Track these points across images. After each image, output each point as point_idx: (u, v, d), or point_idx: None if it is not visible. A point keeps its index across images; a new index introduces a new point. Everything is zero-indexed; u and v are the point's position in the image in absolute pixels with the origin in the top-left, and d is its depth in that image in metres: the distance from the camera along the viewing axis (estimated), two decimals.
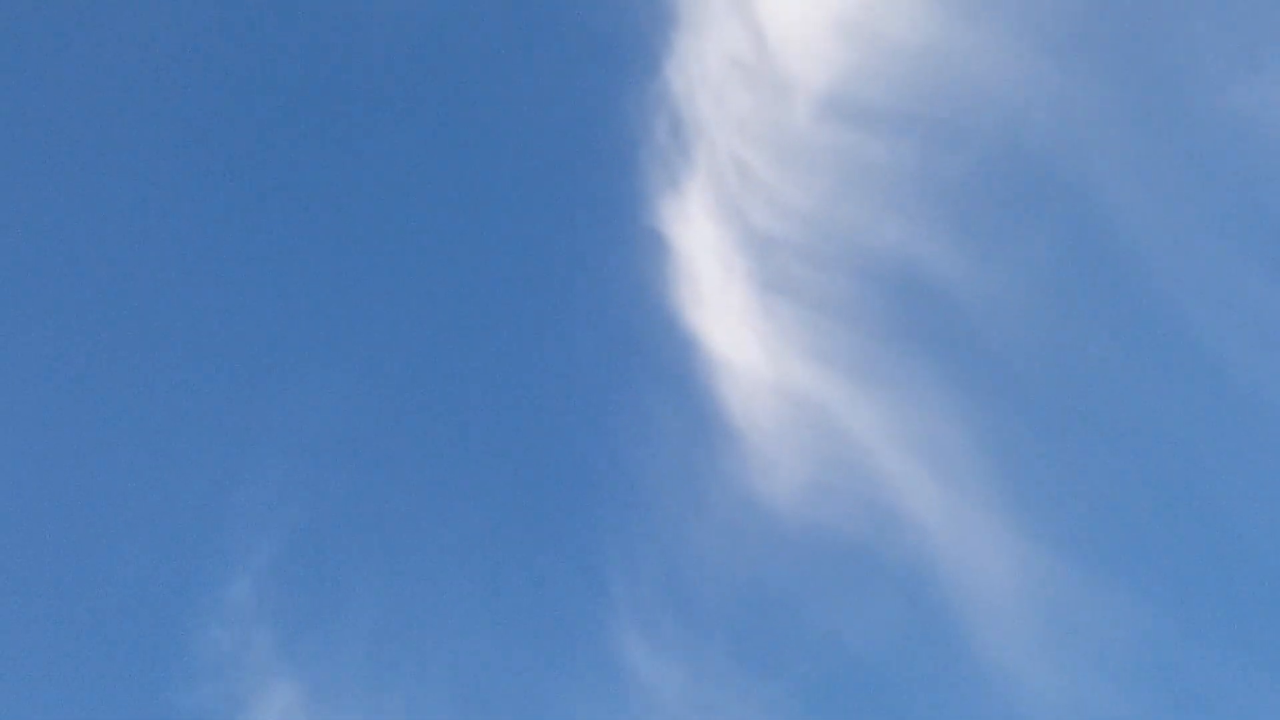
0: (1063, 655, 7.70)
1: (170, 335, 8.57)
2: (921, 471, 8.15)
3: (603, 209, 8.76)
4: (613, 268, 8.64)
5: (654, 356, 8.49)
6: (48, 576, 7.80)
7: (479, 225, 8.89)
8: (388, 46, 8.85)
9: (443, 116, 8.84)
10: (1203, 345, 8.19)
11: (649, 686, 7.75)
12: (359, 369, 8.47)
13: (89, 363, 8.41)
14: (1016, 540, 7.92)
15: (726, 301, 8.50)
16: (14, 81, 8.41)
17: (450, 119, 8.81)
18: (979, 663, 7.69)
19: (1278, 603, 7.97)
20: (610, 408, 8.44)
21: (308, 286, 8.76)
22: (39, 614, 7.72)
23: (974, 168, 8.62)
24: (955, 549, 7.94)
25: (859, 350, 8.42)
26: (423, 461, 8.38)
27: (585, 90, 8.89)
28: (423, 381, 8.55)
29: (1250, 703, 7.47)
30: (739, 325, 8.40)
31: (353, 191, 8.77)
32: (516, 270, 8.80)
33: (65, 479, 8.08)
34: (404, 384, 8.50)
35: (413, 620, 7.98)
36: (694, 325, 8.50)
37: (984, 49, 8.66)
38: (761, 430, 8.30)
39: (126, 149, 8.80)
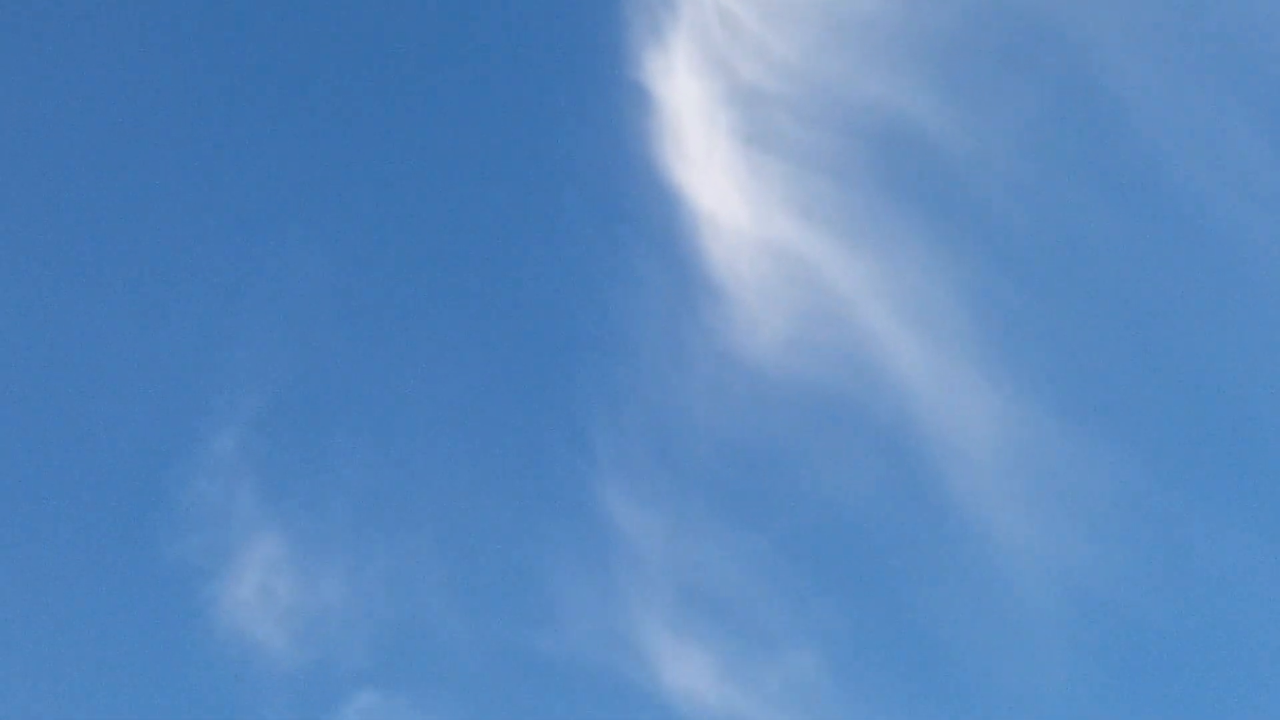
0: (1043, 508, 7.75)
1: (163, 193, 8.59)
2: (905, 326, 8.15)
3: (586, 62, 8.65)
4: (596, 122, 8.49)
5: (638, 212, 8.41)
6: (36, 431, 7.92)
7: (461, 80, 8.79)
8: None
9: None
10: (1190, 200, 8.14)
11: (632, 540, 7.80)
12: (347, 228, 8.47)
13: (82, 219, 8.40)
14: (999, 395, 7.93)
15: (711, 156, 8.36)
16: None
17: None
18: (960, 516, 7.76)
19: (1257, 456, 8.01)
20: (594, 264, 8.40)
21: (298, 145, 8.72)
22: (27, 469, 7.85)
23: (962, 20, 8.49)
24: (938, 404, 7.97)
25: (844, 205, 8.36)
26: (409, 319, 8.41)
27: None
28: (409, 240, 8.56)
29: (1227, 554, 7.50)
30: (723, 180, 8.28)
31: (339, 54, 8.66)
32: (499, 127, 8.68)
33: (56, 335, 8.16)
34: (391, 243, 8.52)
35: (398, 475, 8.02)
36: (678, 180, 8.37)
37: None
38: (745, 285, 8.24)
39: (120, 8, 8.70)
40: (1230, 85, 8.48)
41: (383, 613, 7.77)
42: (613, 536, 7.82)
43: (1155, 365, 8.02)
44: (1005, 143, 8.40)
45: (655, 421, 8.10)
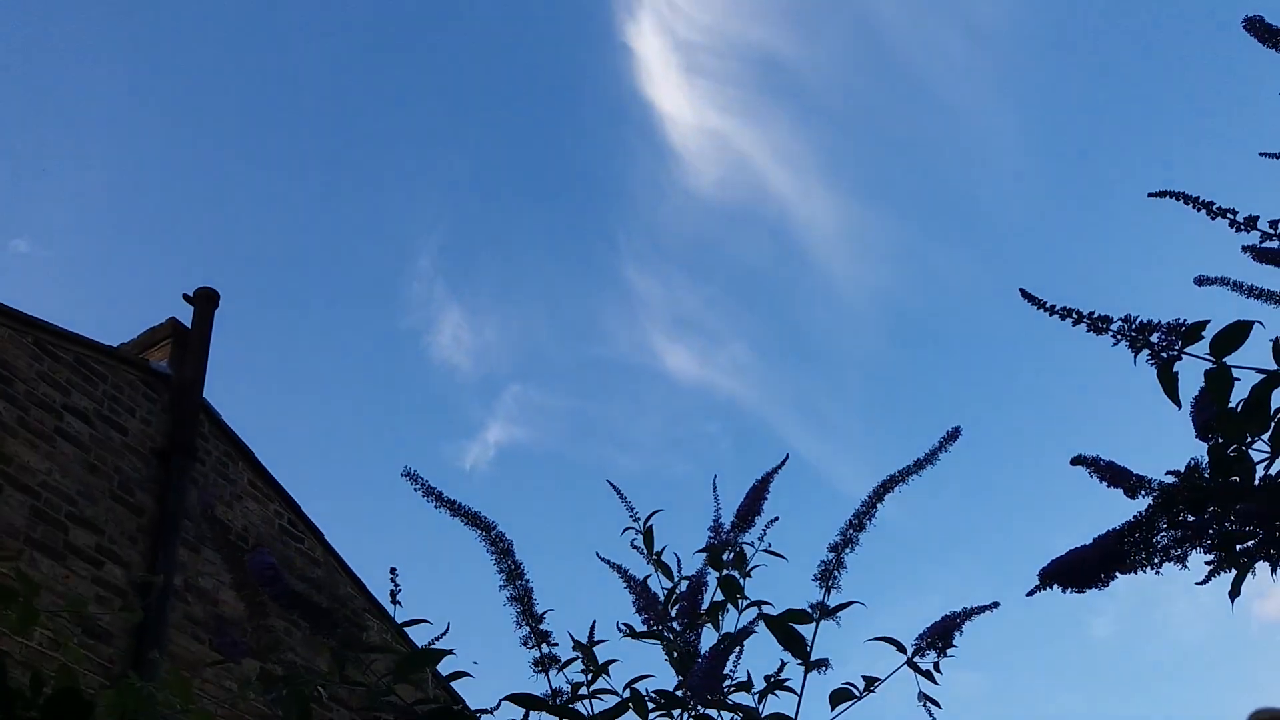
0: (854, 251, 14.40)
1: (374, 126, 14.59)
2: (780, 166, 14.41)
3: (598, 31, 14.17)
4: (604, 66, 14.43)
5: (632, 115, 14.36)
6: (320, 261, 14.26)
7: (530, 44, 13.92)
8: None
9: None
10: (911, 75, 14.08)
11: (642, 291, 14.27)
12: (478, 139, 14.51)
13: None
14: (830, 194, 14.35)
15: (668, 81, 14.24)
16: None
17: None
18: (811, 259, 14.69)
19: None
20: (613, 144, 14.58)
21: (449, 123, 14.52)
22: (329, 279, 14.09)
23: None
24: (797, 202, 14.30)
25: (744, 102, 14.18)
26: (513, 186, 14.59)
27: None
28: (510, 146, 14.76)
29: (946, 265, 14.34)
30: (677, 94, 13.90)
31: (455, 50, 14.24)
32: (558, 73, 14.67)
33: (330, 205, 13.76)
34: (499, 150, 14.62)
35: (516, 270, 14.55)
36: (651, 96, 14.47)
37: None
38: (691, 151, 14.62)
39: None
40: None
41: (516, 342, 14.57)
42: (632, 290, 14.13)
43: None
44: (830, 61, 14.06)
45: (648, 224, 14.14)
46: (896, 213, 14.76)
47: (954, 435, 1.43)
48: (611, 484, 1.83)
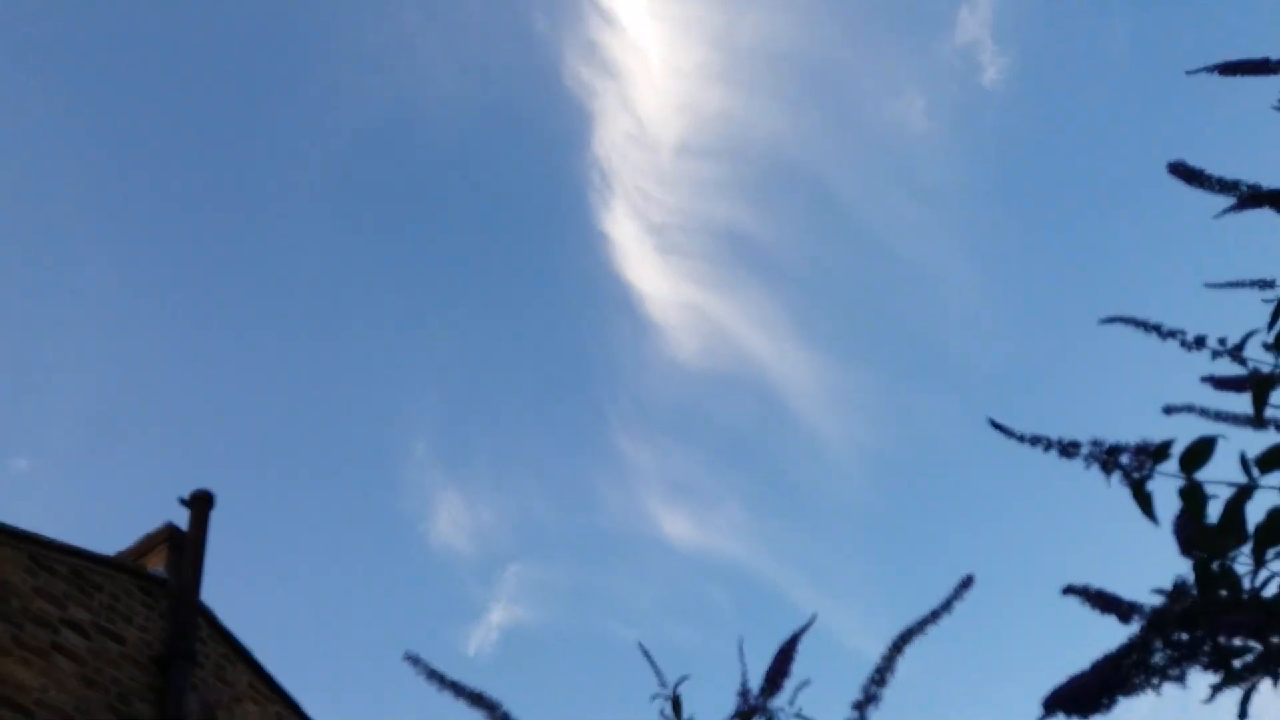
0: (838, 414, 14.70)
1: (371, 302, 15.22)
2: (757, 332, 14.67)
3: (576, 221, 15.23)
4: (583, 251, 15.26)
5: (613, 295, 15.01)
6: (321, 441, 14.78)
7: (514, 236, 15.48)
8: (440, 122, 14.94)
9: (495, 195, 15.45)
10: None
11: (633, 459, 14.48)
12: (472, 325, 15.17)
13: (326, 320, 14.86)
14: (809, 360, 14.92)
15: (644, 261, 15.13)
16: None
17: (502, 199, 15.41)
18: (795, 421, 14.71)
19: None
20: (597, 323, 15.06)
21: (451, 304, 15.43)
22: (320, 465, 14.48)
23: (757, 176, 14.88)
24: (778, 366, 14.65)
25: (715, 276, 15.03)
26: (509, 365, 15.10)
27: (561, 166, 15.54)
28: (506, 327, 15.26)
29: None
30: (652, 273, 14.46)
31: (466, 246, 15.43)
32: (541, 261, 15.46)
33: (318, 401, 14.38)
34: (495, 334, 15.23)
35: (513, 448, 14.88)
36: (629, 275, 14.86)
37: (758, 113, 14.66)
38: (670, 324, 14.50)
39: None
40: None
41: (514, 520, 14.62)
42: (624, 459, 14.51)
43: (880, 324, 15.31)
44: (793, 231, 15.08)
45: (635, 395, 14.72)
46: (871, 365, 15.33)
47: (968, 584, 1.44)
48: (641, 647, 1.82)
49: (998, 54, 14.29)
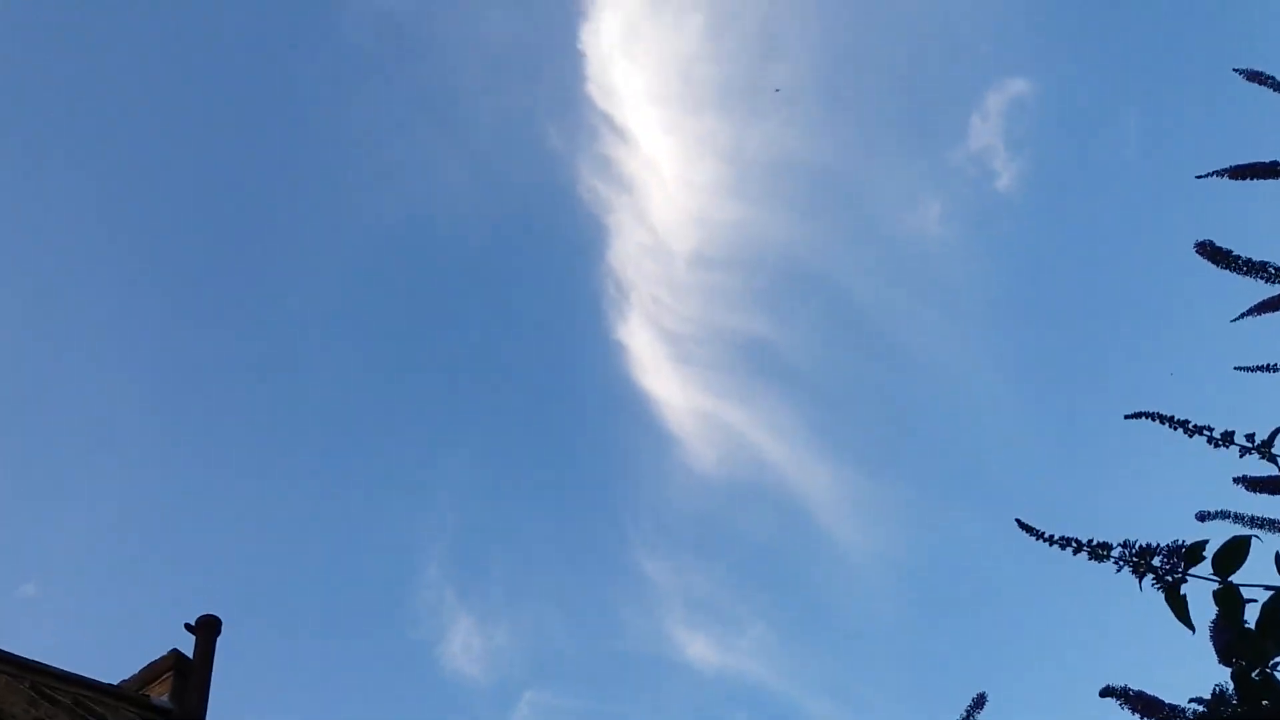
0: (858, 522, 14.40)
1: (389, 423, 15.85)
2: (775, 440, 14.60)
3: (591, 329, 15.29)
4: (600, 363, 15.24)
5: (628, 403, 15.10)
6: (335, 580, 14.58)
7: (530, 348, 15.65)
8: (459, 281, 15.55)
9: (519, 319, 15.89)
10: (903, 349, 15.45)
11: (653, 577, 13.96)
12: (485, 443, 15.34)
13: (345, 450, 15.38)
14: (826, 468, 14.87)
15: (659, 369, 14.57)
16: None
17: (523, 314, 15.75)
18: (820, 532, 14.17)
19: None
20: (615, 434, 15.01)
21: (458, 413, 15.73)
22: (337, 596, 14.34)
23: (771, 284, 15.14)
24: (798, 474, 14.39)
25: (729, 385, 14.82)
26: (524, 484, 15.14)
27: (577, 277, 15.67)
28: (519, 444, 15.38)
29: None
30: (667, 381, 14.87)
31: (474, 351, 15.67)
32: (557, 372, 15.61)
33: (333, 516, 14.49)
34: (509, 451, 15.25)
35: (529, 571, 14.42)
36: (645, 384, 15.44)
37: (771, 223, 14.80)
38: (686, 432, 15.18)
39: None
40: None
41: (530, 644, 14.20)
42: (644, 577, 14.13)
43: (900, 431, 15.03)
44: (811, 339, 14.92)
45: (654, 508, 14.54)
46: (893, 474, 15.16)
47: (980, 702, 1.40)
48: None
49: (1010, 160, 14.55)
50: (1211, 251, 0.96)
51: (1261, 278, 0.96)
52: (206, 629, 6.22)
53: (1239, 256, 0.95)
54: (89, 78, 14.28)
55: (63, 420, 13.70)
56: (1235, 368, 1.04)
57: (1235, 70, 0.98)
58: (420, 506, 14.69)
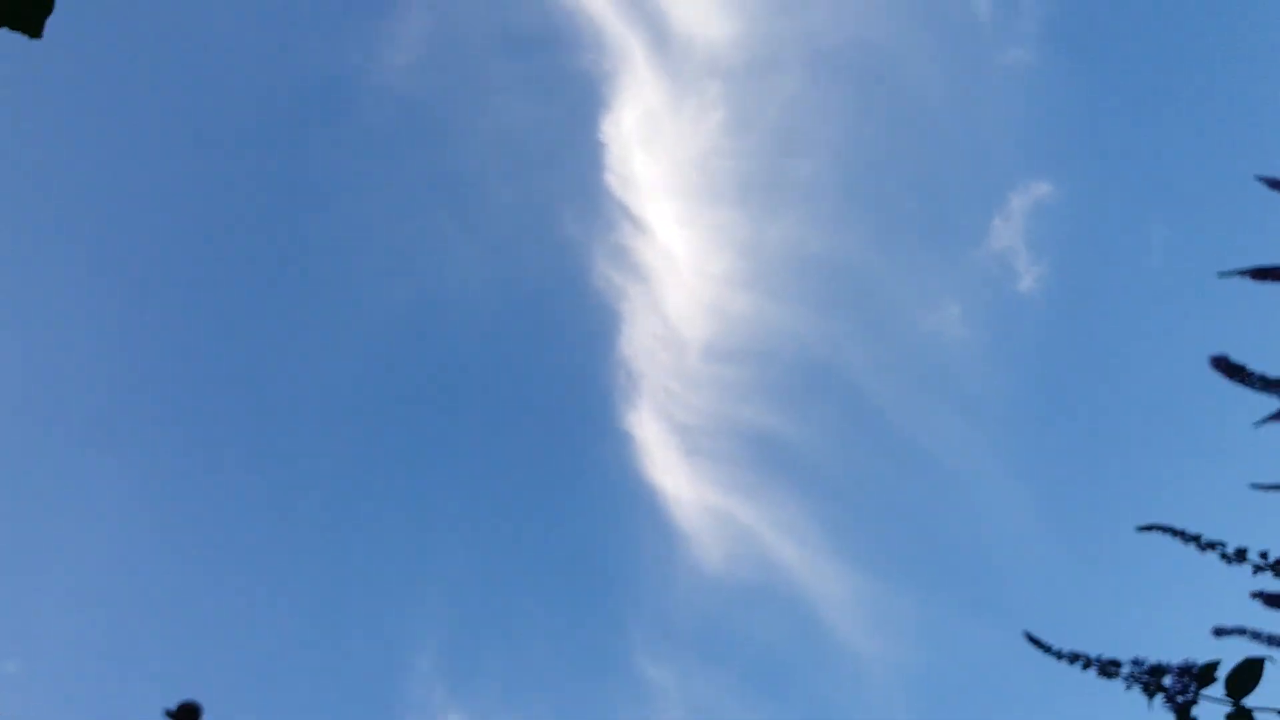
0: (870, 627, 13.69)
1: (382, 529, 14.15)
2: (787, 541, 13.92)
3: (601, 421, 14.66)
4: (609, 454, 14.64)
5: (637, 498, 14.28)
6: (324, 675, 13.15)
7: (535, 436, 14.76)
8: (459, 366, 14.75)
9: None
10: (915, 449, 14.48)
11: (655, 684, 13.10)
12: (483, 540, 14.22)
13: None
14: (838, 570, 13.82)
15: (669, 463, 14.47)
16: None
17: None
18: (830, 636, 13.52)
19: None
20: (621, 528, 14.20)
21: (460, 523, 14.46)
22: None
23: (786, 379, 14.66)
24: (807, 577, 13.81)
25: (741, 481, 14.33)
26: (522, 584, 14.04)
27: (587, 366, 15.07)
28: (519, 541, 14.28)
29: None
30: (678, 475, 14.44)
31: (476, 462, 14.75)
32: (563, 462, 14.87)
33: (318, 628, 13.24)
34: (507, 550, 14.25)
35: (525, 671, 13.38)
36: (654, 478, 14.72)
37: (787, 317, 14.48)
38: (697, 529, 14.14)
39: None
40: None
41: None
42: (644, 679, 13.11)
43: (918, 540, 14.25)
44: (825, 437, 14.74)
45: (658, 608, 13.72)
46: (905, 579, 14.91)
47: None
48: None
49: (1032, 261, 14.64)
50: (1227, 367, 0.95)
51: (1277, 395, 0.94)
52: (186, 715, 6.10)
53: (1254, 373, 0.94)
54: (90, 156, 14.47)
55: (51, 497, 13.60)
56: (1251, 485, 1.02)
57: (1259, 179, 0.97)
58: (414, 597, 14.40)
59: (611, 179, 15.85)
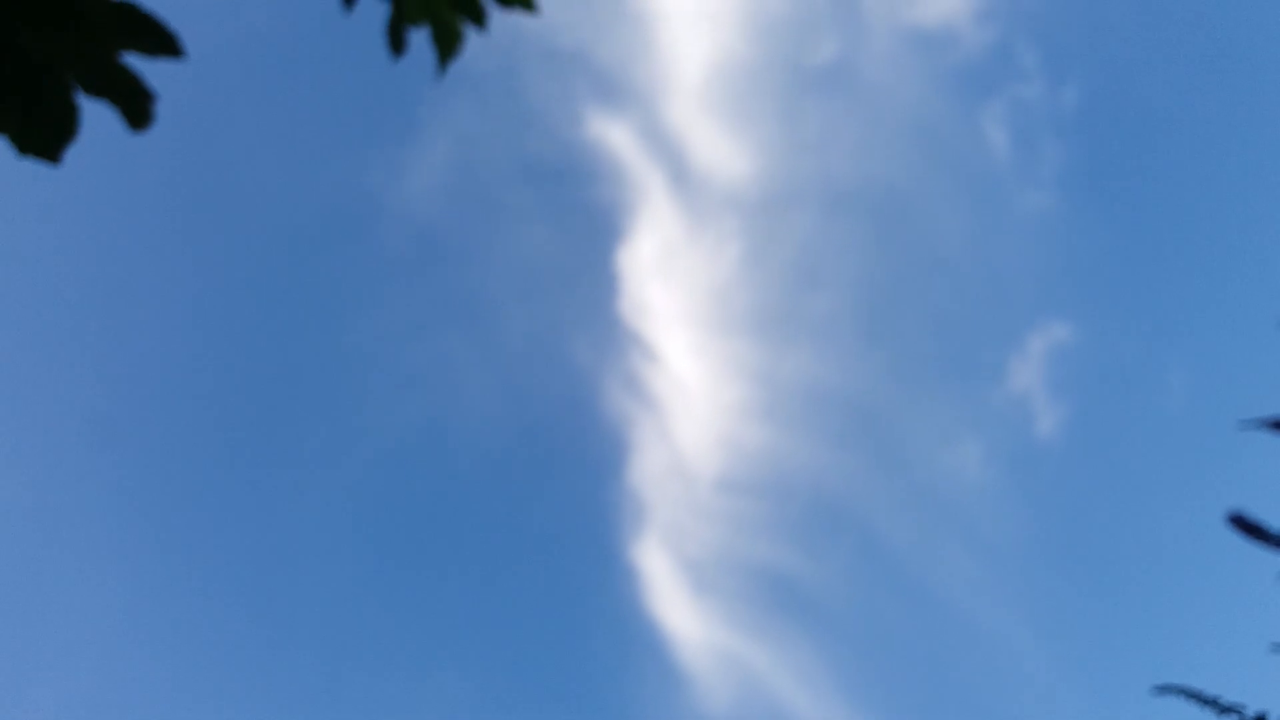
0: None
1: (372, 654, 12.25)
2: (795, 683, 12.65)
3: (604, 551, 13.43)
4: (615, 586, 14.35)
5: (640, 635, 13.64)
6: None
7: (539, 567, 12.84)
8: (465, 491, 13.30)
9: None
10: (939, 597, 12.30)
11: None
12: (469, 661, 12.48)
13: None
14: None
15: (675, 600, 14.46)
16: None
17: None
18: None
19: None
20: (618, 672, 12.87)
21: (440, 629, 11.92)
22: None
23: (799, 515, 13.92)
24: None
25: (751, 621, 13.58)
26: (520, 710, 12.36)
27: (595, 495, 13.89)
28: (513, 669, 12.57)
29: None
30: (684, 612, 13.84)
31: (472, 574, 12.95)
32: (569, 590, 13.87)
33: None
34: (497, 672, 12.31)
35: None
36: (659, 615, 14.10)
37: (801, 452, 13.29)
38: (702, 670, 13.03)
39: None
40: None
41: None
42: None
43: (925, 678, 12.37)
44: (839, 578, 13.84)
45: None
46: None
47: None
48: None
49: (1051, 404, 14.70)
50: (1245, 525, 0.92)
51: None
52: None
53: (1273, 532, 0.91)
54: (97, 274, 14.81)
55: (49, 606, 13.55)
56: (1274, 645, 0.98)
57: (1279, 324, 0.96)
58: None
59: (625, 307, 15.97)
